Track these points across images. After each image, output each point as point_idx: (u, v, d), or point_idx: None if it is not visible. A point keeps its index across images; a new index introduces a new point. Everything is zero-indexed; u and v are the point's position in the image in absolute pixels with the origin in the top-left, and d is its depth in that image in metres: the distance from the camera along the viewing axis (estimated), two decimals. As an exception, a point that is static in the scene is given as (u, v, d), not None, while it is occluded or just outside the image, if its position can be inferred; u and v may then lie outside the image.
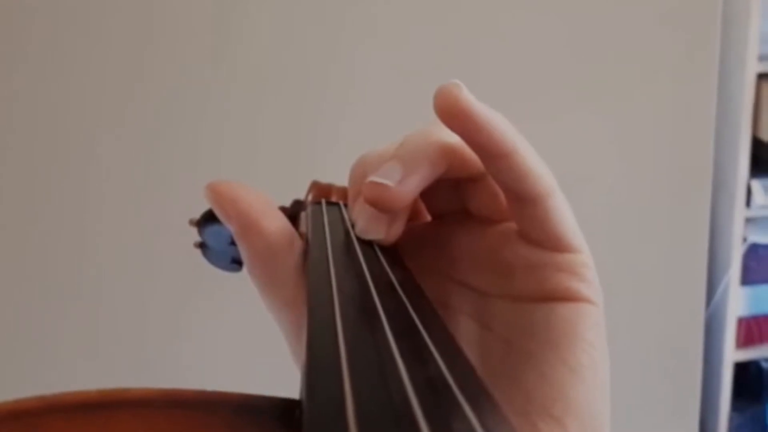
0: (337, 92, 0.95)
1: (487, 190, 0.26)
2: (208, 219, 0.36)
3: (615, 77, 1.02)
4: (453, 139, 0.25)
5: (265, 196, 0.27)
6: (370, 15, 0.94)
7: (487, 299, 0.26)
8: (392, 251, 0.27)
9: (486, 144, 0.24)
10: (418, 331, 0.20)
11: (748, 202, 1.23)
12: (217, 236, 0.36)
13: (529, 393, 0.22)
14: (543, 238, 0.25)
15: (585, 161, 1.02)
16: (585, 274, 0.25)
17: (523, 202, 0.25)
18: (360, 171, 0.28)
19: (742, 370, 1.33)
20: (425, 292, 0.24)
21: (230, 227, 0.26)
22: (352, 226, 0.28)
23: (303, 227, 0.31)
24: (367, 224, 0.27)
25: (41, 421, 0.15)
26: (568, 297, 0.24)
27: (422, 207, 0.30)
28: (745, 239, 1.26)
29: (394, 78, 0.94)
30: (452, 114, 0.23)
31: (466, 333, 0.26)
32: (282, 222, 0.27)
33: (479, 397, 0.16)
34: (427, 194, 0.28)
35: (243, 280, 0.29)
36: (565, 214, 0.25)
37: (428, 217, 0.30)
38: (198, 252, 0.39)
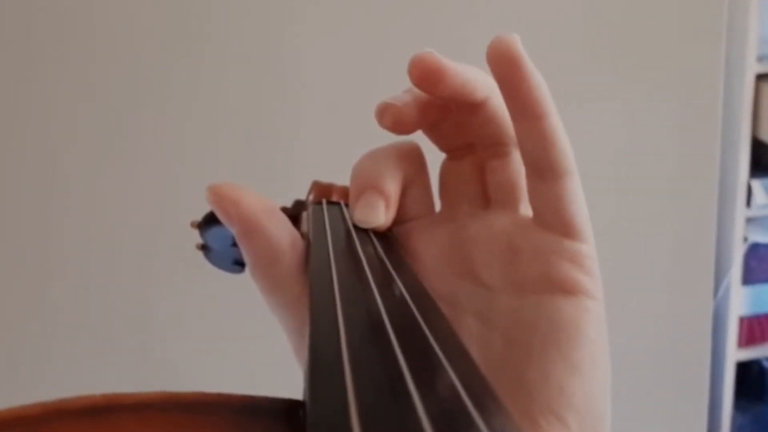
0: (334, 91, 0.95)
1: (489, 114, 0.27)
2: (209, 221, 0.36)
3: (620, 79, 1.02)
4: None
5: (266, 198, 0.27)
6: (379, 13, 0.94)
7: (490, 294, 0.26)
8: (395, 250, 0.27)
9: (527, 98, 0.24)
10: (421, 330, 0.20)
11: (748, 202, 1.24)
12: (219, 238, 0.36)
13: (531, 391, 0.22)
14: (554, 219, 0.25)
15: (590, 162, 1.01)
16: (590, 267, 0.25)
17: (543, 177, 0.25)
18: (360, 170, 0.29)
19: (744, 369, 1.33)
20: (428, 290, 0.24)
21: (232, 229, 0.26)
22: (354, 226, 0.28)
23: (304, 227, 0.31)
24: (363, 212, 0.28)
25: (44, 427, 0.15)
26: (570, 289, 0.24)
27: (425, 201, 0.30)
28: (746, 239, 1.26)
29: (388, 75, 0.94)
30: (506, 57, 0.24)
31: (467, 331, 0.26)
32: (283, 224, 0.27)
33: (484, 397, 0.16)
34: (437, 133, 0.29)
35: (246, 281, 0.29)
36: (580, 198, 0.25)
37: (432, 208, 0.31)
38: (200, 253, 0.39)
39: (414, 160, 0.29)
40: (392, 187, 0.28)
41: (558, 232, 0.25)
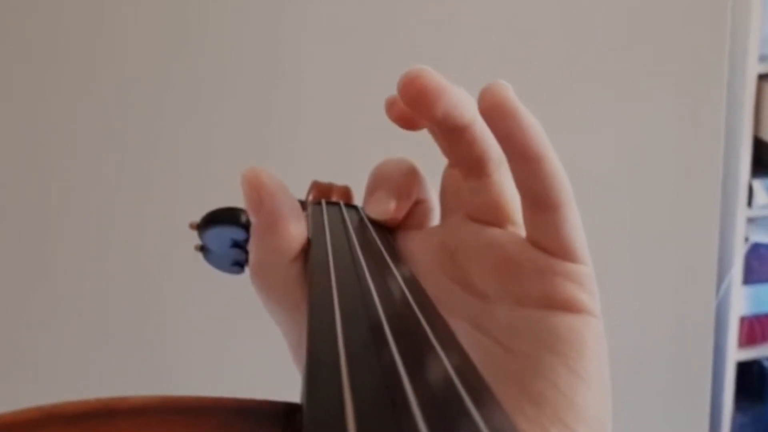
0: (333, 91, 0.95)
1: (472, 138, 0.26)
2: (208, 222, 0.36)
3: (621, 80, 1.02)
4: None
5: (294, 196, 0.26)
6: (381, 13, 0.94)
7: (488, 304, 0.26)
8: (394, 251, 0.27)
9: (524, 145, 0.24)
10: (422, 333, 0.19)
11: (749, 202, 1.23)
12: (218, 239, 0.35)
13: (538, 400, 0.22)
14: (554, 246, 0.25)
15: (591, 163, 1.02)
16: (590, 287, 0.25)
17: (541, 208, 0.25)
18: (379, 171, 0.30)
19: (744, 369, 1.33)
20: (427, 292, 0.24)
21: (255, 219, 0.26)
22: (353, 226, 0.28)
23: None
24: (376, 205, 0.29)
25: (41, 431, 0.15)
26: (573, 307, 0.25)
27: (426, 211, 0.30)
28: (746, 239, 1.26)
29: (388, 76, 0.94)
30: (500, 110, 0.23)
31: (463, 338, 0.26)
32: (302, 227, 0.26)
33: (485, 398, 0.16)
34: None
35: (245, 283, 0.28)
36: (578, 224, 0.25)
37: (434, 221, 0.31)
38: (198, 255, 0.39)
39: (417, 178, 0.30)
40: (406, 186, 0.29)
41: (558, 256, 0.25)
